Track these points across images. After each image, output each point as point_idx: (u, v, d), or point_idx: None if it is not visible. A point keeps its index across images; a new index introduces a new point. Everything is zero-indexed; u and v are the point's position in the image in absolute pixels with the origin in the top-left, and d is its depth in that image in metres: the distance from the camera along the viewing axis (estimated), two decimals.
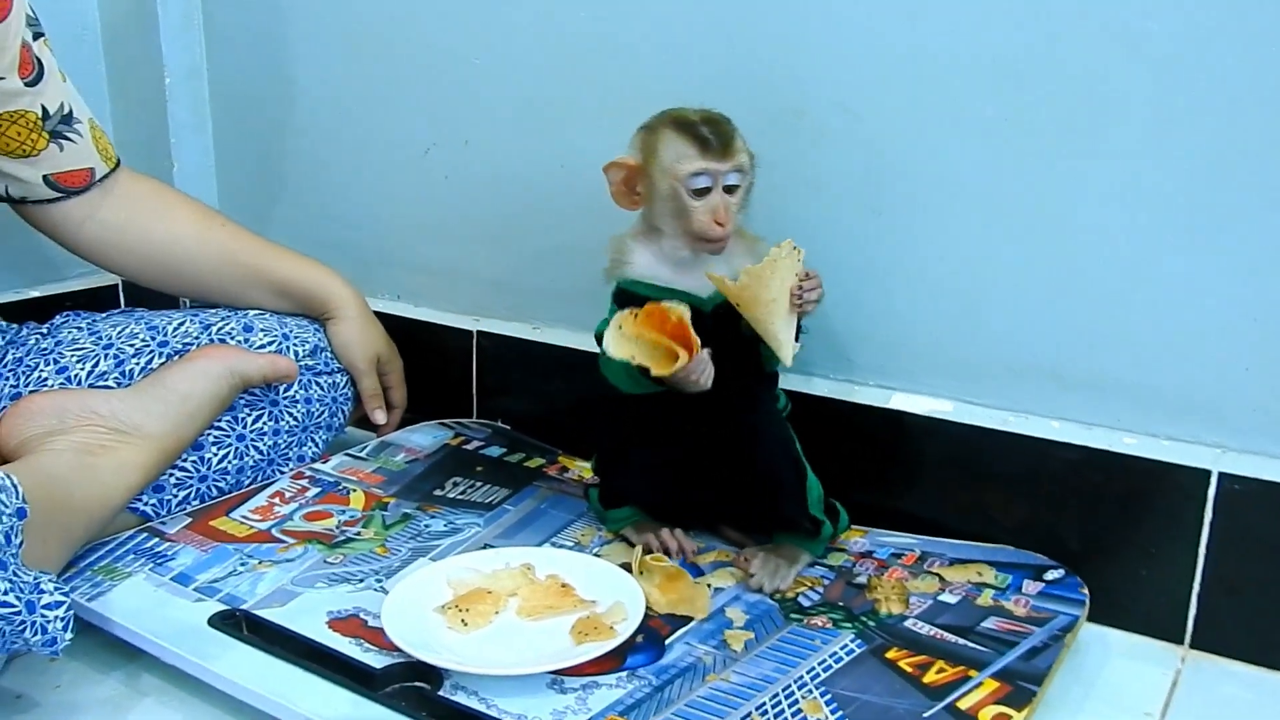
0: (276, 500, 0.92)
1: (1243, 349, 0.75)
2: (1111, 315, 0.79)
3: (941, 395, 0.87)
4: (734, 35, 0.90)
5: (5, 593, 0.62)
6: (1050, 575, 0.78)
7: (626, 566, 0.78)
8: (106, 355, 0.94)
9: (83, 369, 0.93)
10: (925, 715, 0.63)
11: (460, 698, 0.65)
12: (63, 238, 1.01)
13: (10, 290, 1.26)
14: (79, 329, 0.98)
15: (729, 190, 0.77)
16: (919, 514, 0.87)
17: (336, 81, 1.19)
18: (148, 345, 0.95)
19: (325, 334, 1.03)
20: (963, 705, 0.64)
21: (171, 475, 0.90)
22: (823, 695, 0.65)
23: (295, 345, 0.99)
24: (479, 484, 0.96)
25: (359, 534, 0.87)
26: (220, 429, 0.93)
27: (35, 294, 1.27)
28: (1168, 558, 0.78)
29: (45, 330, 0.99)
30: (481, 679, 0.67)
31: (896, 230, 0.86)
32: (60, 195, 0.97)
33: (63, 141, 0.95)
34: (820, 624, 0.73)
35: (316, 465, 0.99)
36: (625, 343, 0.74)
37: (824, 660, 0.69)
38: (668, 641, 0.71)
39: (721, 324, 0.78)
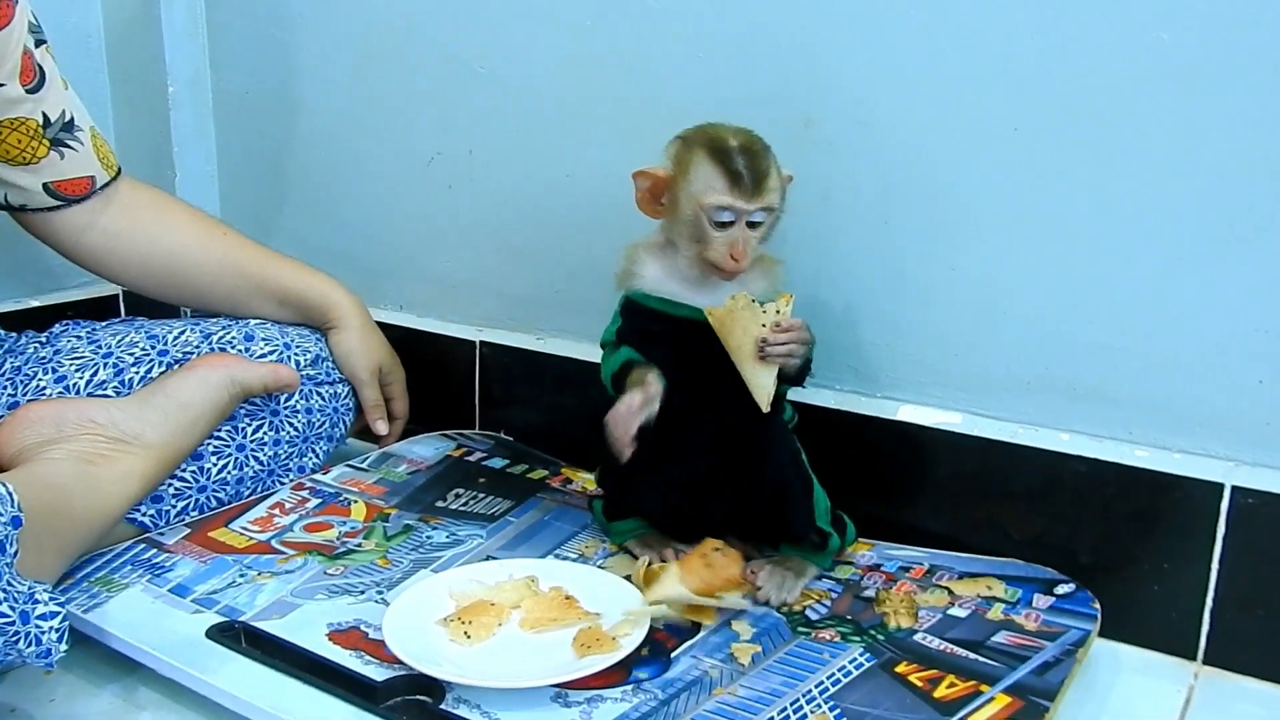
0: (276, 511, 0.91)
1: (1256, 362, 0.74)
2: (1124, 328, 0.78)
3: (950, 407, 0.86)
4: (745, 45, 0.89)
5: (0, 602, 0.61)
6: (1061, 589, 0.77)
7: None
8: (106, 364, 0.93)
9: (81, 378, 0.92)
10: None
11: (463, 711, 0.64)
12: (63, 246, 1.00)
13: (10, 299, 1.25)
14: (78, 338, 0.97)
15: (752, 225, 0.76)
16: (927, 527, 0.86)
17: (340, 89, 1.18)
18: (147, 354, 0.94)
19: (327, 344, 1.02)
20: None
21: (170, 485, 0.89)
22: (832, 710, 0.64)
23: (296, 355, 0.98)
24: (482, 495, 0.95)
25: (360, 545, 0.86)
26: (220, 439, 0.92)
27: (35, 303, 1.27)
28: (1180, 572, 0.77)
29: (44, 339, 0.98)
30: (484, 692, 0.65)
31: (906, 241, 0.85)
32: (60, 203, 0.96)
33: (63, 149, 0.95)
34: (828, 637, 0.72)
35: (317, 476, 0.98)
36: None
37: (832, 674, 0.68)
38: (674, 654, 0.70)
39: None
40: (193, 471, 0.90)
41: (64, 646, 0.65)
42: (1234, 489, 0.74)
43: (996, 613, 0.75)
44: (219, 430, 0.92)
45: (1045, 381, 0.82)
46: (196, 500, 0.91)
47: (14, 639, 0.62)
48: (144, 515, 0.87)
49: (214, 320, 1.00)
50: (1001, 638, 0.71)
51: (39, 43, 0.93)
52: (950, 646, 0.71)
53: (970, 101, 0.81)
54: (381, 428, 1.05)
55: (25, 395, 0.91)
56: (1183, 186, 0.74)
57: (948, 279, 0.84)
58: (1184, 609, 0.77)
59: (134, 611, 0.75)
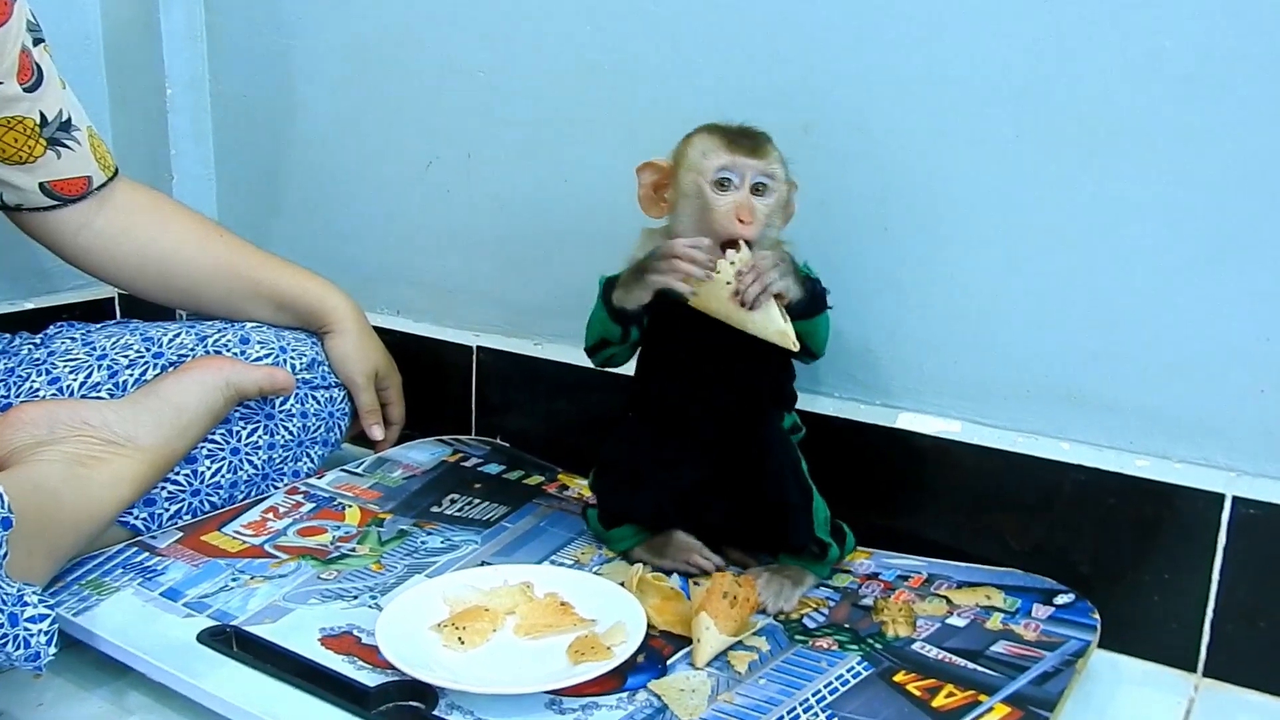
0: (270, 515, 0.91)
1: (1258, 372, 0.74)
2: (1124, 336, 0.78)
3: (950, 415, 0.85)
4: (744, 51, 0.89)
5: None
6: (1060, 599, 0.76)
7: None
8: (100, 366, 0.92)
9: (75, 380, 0.91)
10: None
11: (456, 717, 0.63)
12: (58, 246, 1.00)
13: (5, 302, 1.25)
14: (72, 339, 0.96)
15: (757, 190, 0.75)
16: (926, 535, 0.85)
17: (338, 94, 1.18)
18: (142, 356, 0.93)
19: (323, 348, 1.01)
20: None
21: (163, 489, 0.88)
22: (829, 718, 0.63)
23: (292, 358, 0.97)
24: (477, 501, 0.94)
25: (354, 550, 0.85)
26: (214, 442, 0.92)
27: (30, 305, 1.26)
28: (1181, 583, 0.76)
29: (38, 340, 0.97)
30: (478, 698, 0.65)
31: (906, 248, 0.85)
32: (56, 203, 0.96)
33: (60, 149, 0.94)
34: (826, 646, 0.71)
35: (312, 481, 0.97)
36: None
37: (830, 683, 0.67)
38: (670, 661, 0.69)
39: (732, 332, 0.76)
40: (186, 475, 0.90)
41: (53, 649, 0.64)
42: (1235, 499, 0.74)
43: (995, 622, 0.74)
44: (213, 433, 0.91)
45: (1045, 390, 0.81)
46: (189, 504, 0.90)
47: (2, 642, 0.62)
48: (136, 518, 0.86)
49: (209, 323, 1.00)
50: (1000, 647, 0.71)
51: (37, 41, 0.92)
52: (949, 656, 0.70)
53: (970, 108, 0.80)
54: (377, 433, 1.04)
55: (19, 396, 0.90)
56: (1183, 195, 0.74)
57: (947, 286, 0.84)
58: (1184, 620, 0.76)
59: (124, 615, 0.74)
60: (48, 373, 0.91)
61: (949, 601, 0.77)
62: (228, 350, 0.95)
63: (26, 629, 0.62)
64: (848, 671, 0.68)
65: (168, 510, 0.88)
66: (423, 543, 0.86)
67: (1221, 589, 0.75)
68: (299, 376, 0.96)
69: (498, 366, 1.09)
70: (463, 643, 0.70)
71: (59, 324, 1.00)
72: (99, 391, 0.91)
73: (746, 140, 0.75)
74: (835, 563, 0.81)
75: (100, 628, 0.72)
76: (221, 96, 1.29)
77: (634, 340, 0.81)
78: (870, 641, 0.72)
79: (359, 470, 1.00)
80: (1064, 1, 0.76)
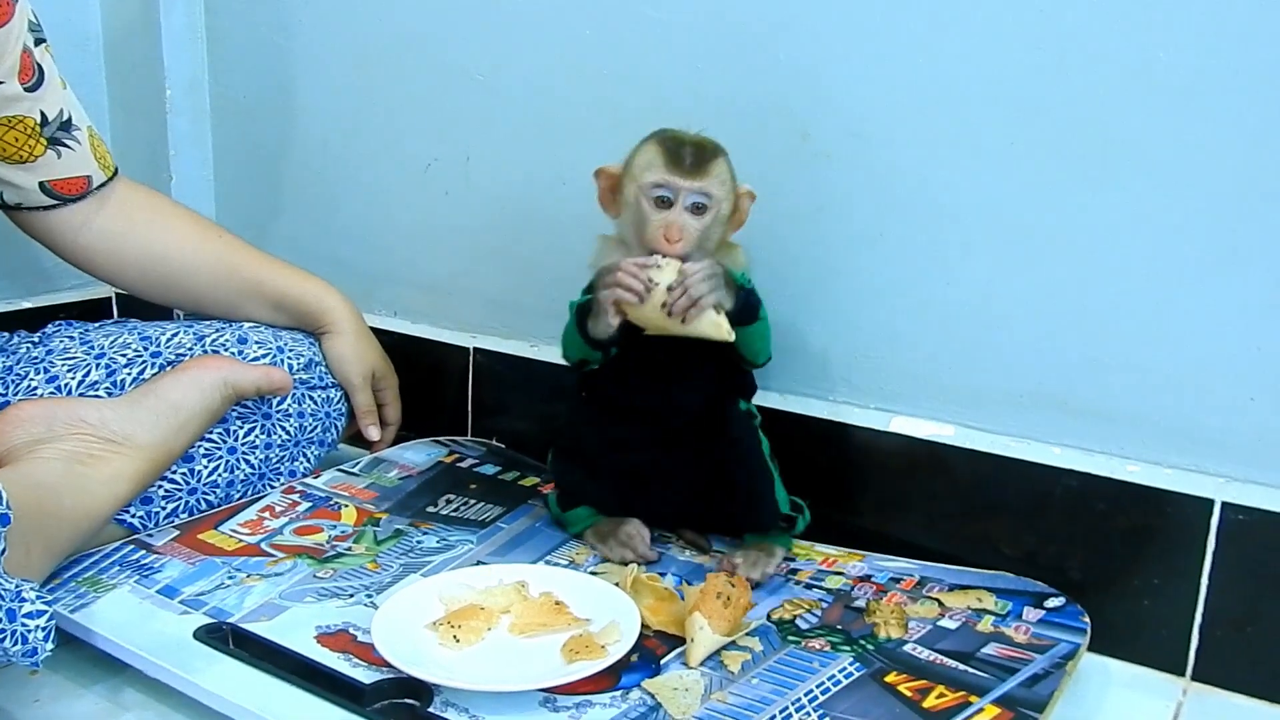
0: (266, 514, 0.91)
1: (1247, 380, 0.75)
2: (1116, 343, 0.79)
3: (943, 420, 0.86)
4: (743, 57, 0.90)
5: None
6: (1051, 603, 0.77)
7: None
8: (98, 365, 0.93)
9: (73, 378, 0.92)
10: None
11: (451, 714, 0.64)
12: (58, 246, 1.00)
13: (3, 300, 1.25)
14: (70, 338, 0.97)
15: (695, 210, 0.77)
16: (918, 539, 0.86)
17: (338, 95, 1.19)
18: (140, 355, 0.94)
19: (320, 348, 1.02)
20: None
21: (160, 487, 0.89)
22: (821, 718, 0.64)
23: (290, 358, 0.98)
24: (473, 501, 0.95)
25: (350, 549, 0.85)
26: (211, 441, 0.92)
27: (28, 305, 1.27)
28: (1170, 587, 0.77)
29: (36, 339, 0.97)
30: (473, 696, 0.65)
31: (901, 254, 0.86)
32: (56, 202, 0.96)
33: (60, 148, 0.95)
34: (818, 647, 0.72)
35: (308, 480, 0.98)
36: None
37: (822, 683, 0.67)
38: (663, 661, 0.70)
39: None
40: (183, 473, 0.90)
41: (50, 645, 0.64)
42: (1224, 505, 0.75)
43: (986, 625, 0.75)
44: (210, 433, 0.92)
45: (1038, 396, 0.82)
46: (186, 502, 0.90)
47: (0, 637, 0.62)
48: (133, 516, 0.87)
49: (207, 322, 1.00)
50: (991, 649, 0.71)
51: (38, 41, 0.93)
52: (940, 657, 0.71)
53: (967, 117, 0.81)
54: (374, 433, 1.05)
55: (17, 395, 0.90)
56: (1176, 204, 0.75)
57: (942, 293, 0.85)
58: (1174, 624, 0.77)
59: (121, 612, 0.75)
60: (46, 371, 0.92)
61: (941, 604, 0.77)
62: (225, 350, 0.96)
63: (24, 625, 0.63)
64: (839, 672, 0.69)
65: (164, 509, 0.89)
66: (418, 542, 0.87)
67: (1211, 594, 0.75)
68: (296, 377, 0.97)
69: (494, 368, 1.10)
70: (458, 641, 0.70)
71: (57, 323, 1.00)
72: (97, 390, 0.91)
73: (689, 158, 0.77)
74: (799, 534, 0.85)
75: (97, 624, 0.73)
76: (221, 98, 1.29)
77: (614, 354, 0.82)
78: (862, 643, 0.72)
79: (355, 470, 1.01)
80: (1061, 12, 0.77)
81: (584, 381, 0.86)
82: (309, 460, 0.99)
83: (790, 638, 0.73)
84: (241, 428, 0.94)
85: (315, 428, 0.99)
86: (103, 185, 0.98)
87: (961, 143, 0.82)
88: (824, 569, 0.83)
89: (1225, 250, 0.74)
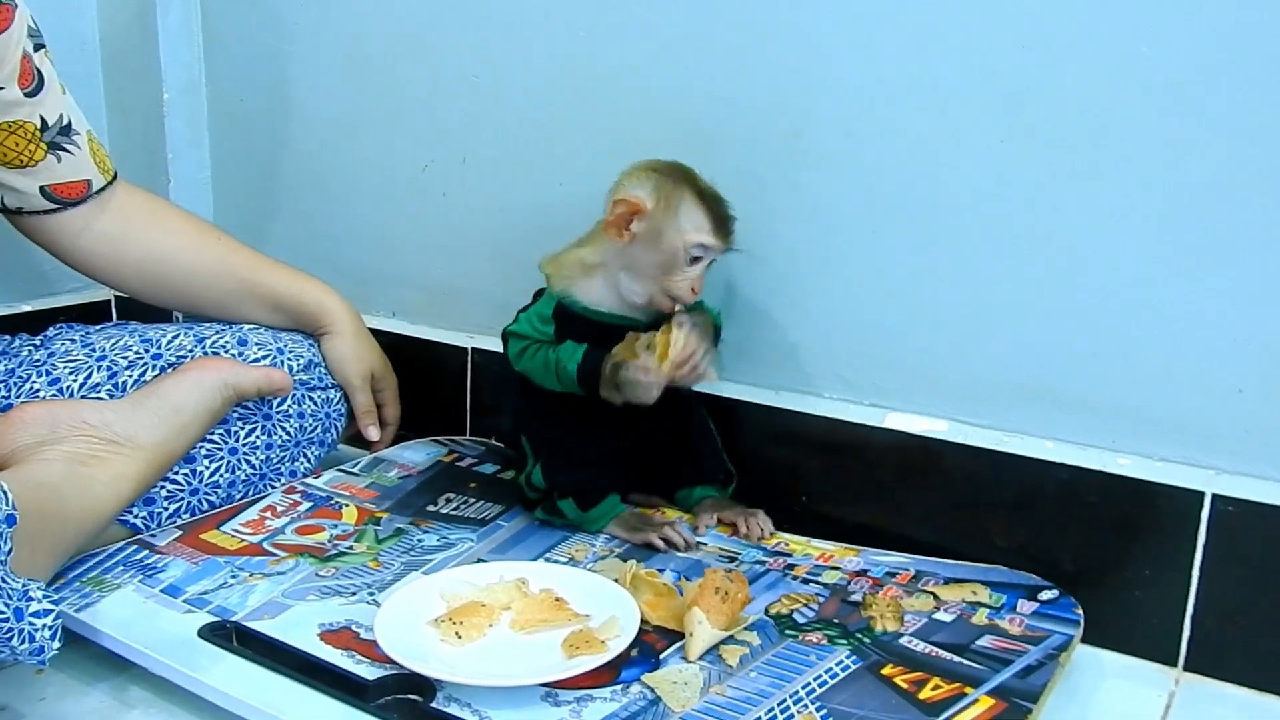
0: (268, 514, 0.92)
1: (1236, 372, 0.76)
2: (1107, 337, 0.80)
3: (937, 415, 0.87)
4: (735, 56, 0.91)
5: None
6: (1045, 595, 0.78)
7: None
8: (100, 367, 0.93)
9: (75, 381, 0.92)
10: None
11: (453, 709, 0.65)
12: (58, 250, 1.01)
13: (3, 304, 1.26)
14: (72, 341, 0.97)
15: (709, 263, 0.85)
16: (913, 533, 0.87)
17: (335, 97, 1.19)
18: (141, 358, 0.95)
19: (320, 349, 1.03)
20: None
21: (163, 488, 0.89)
22: (818, 710, 0.65)
23: (290, 360, 0.99)
24: (472, 500, 0.96)
25: (351, 548, 0.86)
26: (213, 442, 0.93)
27: (27, 308, 1.27)
28: (1162, 579, 0.78)
29: (38, 342, 0.98)
30: (475, 690, 0.66)
31: (894, 251, 0.87)
32: (57, 206, 0.97)
33: (60, 153, 0.95)
34: (815, 640, 0.73)
35: (309, 480, 0.99)
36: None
37: (819, 676, 0.68)
38: (662, 655, 0.71)
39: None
40: (185, 474, 0.91)
41: (57, 644, 0.65)
42: (1214, 497, 0.76)
43: (981, 617, 0.75)
44: (211, 433, 0.93)
45: (1030, 390, 0.83)
46: (188, 503, 0.91)
47: (7, 636, 0.63)
48: (136, 517, 0.87)
49: (208, 324, 1.01)
50: (986, 642, 0.72)
51: (38, 47, 0.93)
52: (935, 650, 0.71)
53: (958, 114, 0.82)
54: (373, 433, 1.05)
55: (19, 397, 0.91)
56: (1165, 198, 0.76)
57: (935, 289, 0.86)
58: (1165, 615, 0.78)
59: (126, 611, 0.76)
60: (48, 374, 0.92)
61: (936, 597, 0.78)
62: (226, 351, 0.96)
63: (31, 624, 0.63)
64: (836, 665, 0.70)
65: (167, 509, 0.90)
66: (419, 541, 0.87)
67: (1201, 585, 0.76)
68: (296, 378, 0.98)
69: (492, 368, 1.11)
70: (460, 637, 0.71)
71: (58, 326, 1.01)
72: (99, 392, 0.92)
73: (727, 226, 0.83)
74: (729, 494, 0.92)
75: (102, 623, 0.74)
76: (218, 100, 1.30)
77: None
78: (859, 636, 0.73)
79: (356, 470, 1.02)
80: (1049, 10, 0.78)
81: (547, 394, 0.88)
82: (309, 460, 1.00)
83: (788, 632, 0.74)
84: (243, 428, 0.95)
85: (315, 428, 1.00)
86: (102, 189, 0.99)
87: (952, 140, 0.83)
88: (820, 564, 0.84)
89: (1212, 243, 0.75)
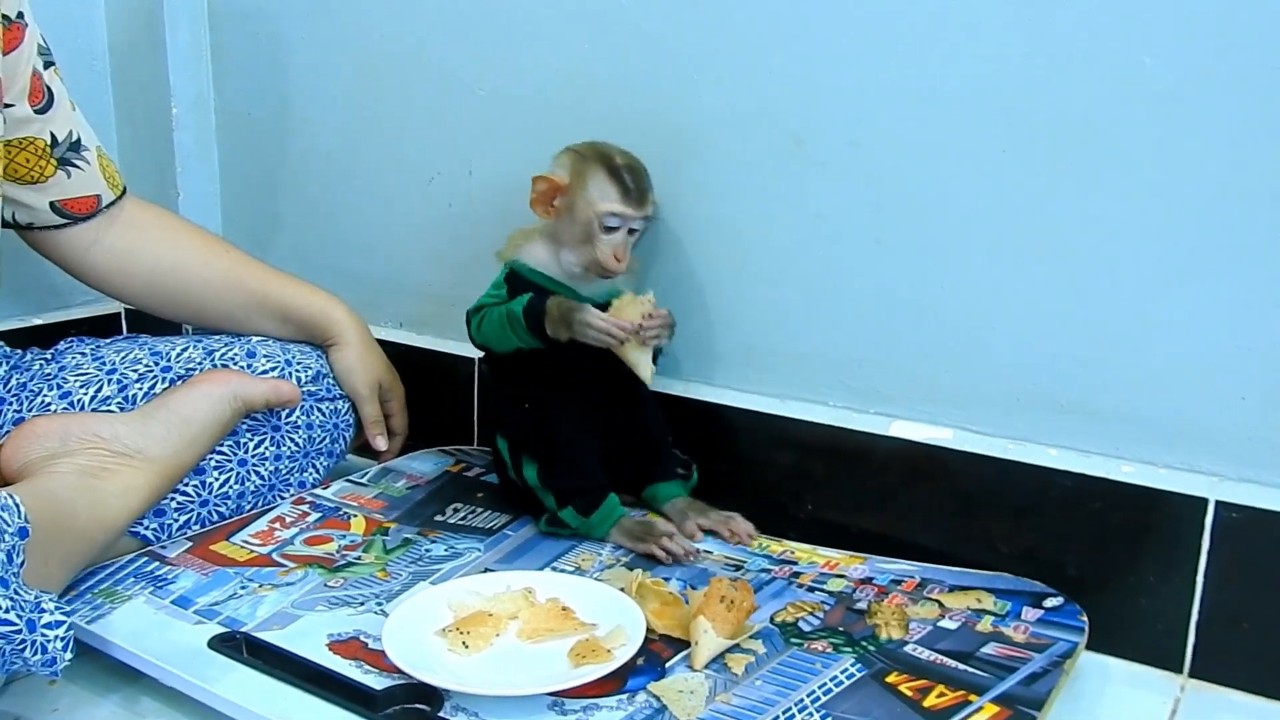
0: (277, 525, 0.93)
1: (1239, 379, 0.76)
2: (1110, 346, 0.80)
3: (941, 423, 0.87)
4: (737, 65, 0.91)
5: (6, 611, 0.62)
6: (1050, 602, 0.78)
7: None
8: (110, 380, 0.94)
9: (86, 394, 0.93)
10: None
11: (460, 719, 0.65)
12: (68, 264, 1.02)
13: (15, 317, 1.27)
14: (82, 354, 0.98)
15: (631, 233, 0.88)
16: (918, 540, 0.87)
17: (341, 110, 1.20)
18: (151, 370, 0.95)
19: (327, 360, 1.03)
20: None
21: (173, 499, 0.90)
22: (824, 718, 0.65)
23: (298, 371, 0.99)
24: (480, 510, 0.96)
25: (359, 558, 0.87)
26: (222, 454, 0.94)
27: (39, 321, 1.28)
28: (1166, 586, 0.78)
29: (49, 355, 0.99)
30: (482, 700, 0.67)
31: (897, 259, 0.87)
32: (67, 221, 0.98)
33: (70, 169, 0.96)
34: (821, 648, 0.73)
35: (317, 491, 0.99)
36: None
37: (824, 684, 0.69)
38: (668, 664, 0.71)
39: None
40: (195, 486, 0.92)
41: (69, 655, 0.65)
42: (1218, 504, 0.76)
43: (986, 625, 0.76)
44: (221, 445, 0.93)
45: (1034, 397, 0.83)
46: (198, 514, 0.92)
47: (20, 647, 0.63)
48: (146, 529, 0.88)
49: (216, 337, 1.02)
50: (990, 649, 0.73)
51: (48, 65, 0.94)
52: (940, 657, 0.72)
53: (960, 122, 0.82)
54: (381, 444, 1.06)
55: (31, 410, 0.92)
56: (1167, 206, 0.76)
57: (938, 297, 0.86)
58: (1170, 622, 0.78)
59: (137, 622, 0.76)
60: (59, 387, 0.93)
61: (941, 605, 0.79)
62: (234, 364, 0.97)
63: (44, 635, 0.64)
64: (841, 673, 0.70)
65: (177, 520, 0.90)
66: (427, 550, 0.88)
67: (1206, 591, 0.77)
68: (304, 389, 0.98)
69: None
70: (467, 647, 0.71)
71: (69, 339, 1.02)
72: (109, 405, 0.93)
73: (636, 191, 0.87)
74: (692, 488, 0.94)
75: (114, 635, 0.74)
76: (226, 114, 1.31)
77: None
78: (864, 644, 0.74)
79: (364, 480, 1.02)
80: (1051, 19, 0.78)
81: (523, 393, 0.91)
82: (318, 471, 1.01)
83: (793, 640, 0.75)
84: (251, 440, 0.96)
85: (324, 439, 1.01)
86: (112, 204, 1.00)
87: (954, 148, 0.83)
88: (826, 572, 0.84)
89: (1215, 250, 0.75)
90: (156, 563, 0.85)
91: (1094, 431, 0.81)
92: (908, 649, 0.73)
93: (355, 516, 0.95)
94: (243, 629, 0.75)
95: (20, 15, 0.91)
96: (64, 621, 0.65)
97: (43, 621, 0.64)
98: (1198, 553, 0.77)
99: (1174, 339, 0.78)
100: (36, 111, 0.93)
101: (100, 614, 0.77)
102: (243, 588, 0.81)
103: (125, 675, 0.75)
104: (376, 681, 0.69)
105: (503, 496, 0.96)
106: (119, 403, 0.93)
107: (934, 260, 0.86)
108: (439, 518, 0.95)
